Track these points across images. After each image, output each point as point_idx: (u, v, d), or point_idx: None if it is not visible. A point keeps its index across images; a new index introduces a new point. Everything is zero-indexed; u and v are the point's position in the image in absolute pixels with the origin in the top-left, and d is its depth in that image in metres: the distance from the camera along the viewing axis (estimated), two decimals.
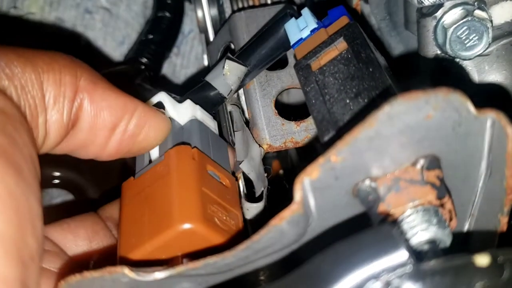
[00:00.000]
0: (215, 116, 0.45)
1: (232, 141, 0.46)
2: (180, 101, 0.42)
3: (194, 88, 0.44)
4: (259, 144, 0.43)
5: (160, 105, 0.40)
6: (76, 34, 0.68)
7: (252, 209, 0.40)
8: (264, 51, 0.44)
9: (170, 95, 0.41)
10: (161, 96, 0.40)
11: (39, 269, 0.28)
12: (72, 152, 0.35)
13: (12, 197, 0.26)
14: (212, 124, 0.42)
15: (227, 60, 0.43)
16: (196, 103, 0.42)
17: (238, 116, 0.46)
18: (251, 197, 0.42)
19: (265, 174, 0.43)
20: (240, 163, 0.42)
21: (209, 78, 0.44)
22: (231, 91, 0.44)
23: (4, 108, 0.29)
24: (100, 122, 0.34)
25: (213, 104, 0.44)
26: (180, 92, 0.44)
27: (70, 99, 0.33)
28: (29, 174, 0.28)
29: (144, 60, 0.64)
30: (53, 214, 0.38)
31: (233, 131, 0.45)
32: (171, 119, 0.40)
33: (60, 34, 0.68)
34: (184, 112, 0.41)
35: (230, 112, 0.47)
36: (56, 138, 0.33)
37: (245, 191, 0.42)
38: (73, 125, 0.34)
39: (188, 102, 0.41)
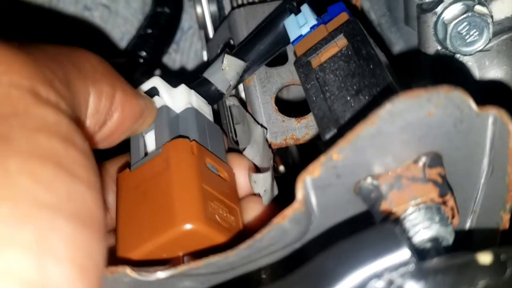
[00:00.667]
0: (214, 113, 0.45)
1: (232, 137, 0.46)
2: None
3: (192, 84, 0.43)
4: (261, 125, 0.43)
5: (154, 90, 0.40)
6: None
7: (260, 181, 0.39)
8: (263, 47, 0.44)
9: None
10: (156, 81, 0.40)
11: None
12: None
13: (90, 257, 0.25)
14: (207, 110, 0.42)
15: (225, 56, 0.43)
16: None
17: (236, 109, 0.46)
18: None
19: (270, 150, 0.43)
20: (244, 150, 0.42)
21: (207, 74, 0.44)
22: (229, 86, 0.43)
23: (84, 149, 0.27)
24: (120, 128, 0.35)
25: (211, 100, 0.44)
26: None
27: (107, 110, 0.33)
28: (101, 228, 0.27)
29: (143, 54, 0.63)
30: None
31: (234, 126, 0.45)
32: (166, 107, 0.39)
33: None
34: (179, 98, 0.40)
35: (229, 106, 0.47)
36: None
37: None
38: (98, 131, 0.33)
39: (182, 87, 0.41)
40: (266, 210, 0.38)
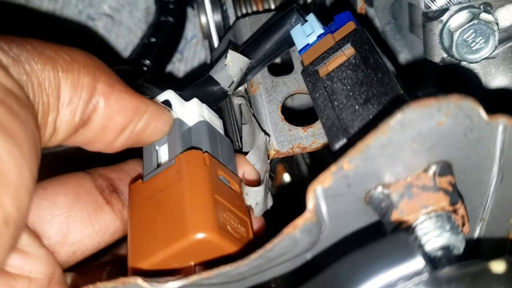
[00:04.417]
0: (218, 112, 0.44)
1: (237, 137, 0.45)
2: (183, 96, 0.41)
3: (197, 82, 0.43)
4: (264, 132, 0.43)
5: (167, 104, 0.40)
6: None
7: (252, 194, 0.39)
8: (269, 46, 0.44)
9: (177, 93, 0.41)
10: (169, 95, 0.40)
11: (13, 236, 0.27)
12: (78, 145, 0.36)
13: None
14: (218, 123, 0.42)
15: (229, 51, 0.43)
16: (198, 97, 0.42)
17: (246, 108, 0.46)
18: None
19: (268, 160, 0.43)
20: (247, 154, 0.42)
21: (212, 72, 0.43)
22: (232, 82, 0.43)
23: (18, 94, 0.29)
24: (111, 124, 0.34)
25: (214, 99, 0.43)
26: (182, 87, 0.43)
27: (86, 100, 0.33)
28: (27, 147, 0.28)
29: (147, 62, 0.64)
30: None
31: (241, 125, 0.45)
32: (179, 119, 0.40)
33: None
34: (191, 111, 0.40)
35: (240, 105, 0.46)
36: (64, 135, 0.33)
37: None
38: (84, 125, 0.34)
39: (195, 101, 0.41)
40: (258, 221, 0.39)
